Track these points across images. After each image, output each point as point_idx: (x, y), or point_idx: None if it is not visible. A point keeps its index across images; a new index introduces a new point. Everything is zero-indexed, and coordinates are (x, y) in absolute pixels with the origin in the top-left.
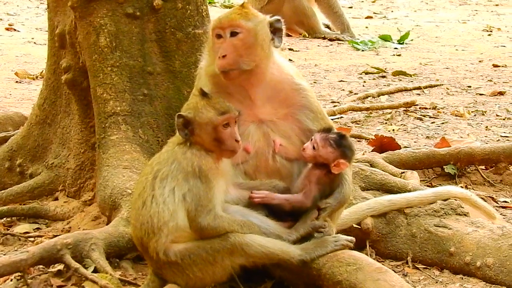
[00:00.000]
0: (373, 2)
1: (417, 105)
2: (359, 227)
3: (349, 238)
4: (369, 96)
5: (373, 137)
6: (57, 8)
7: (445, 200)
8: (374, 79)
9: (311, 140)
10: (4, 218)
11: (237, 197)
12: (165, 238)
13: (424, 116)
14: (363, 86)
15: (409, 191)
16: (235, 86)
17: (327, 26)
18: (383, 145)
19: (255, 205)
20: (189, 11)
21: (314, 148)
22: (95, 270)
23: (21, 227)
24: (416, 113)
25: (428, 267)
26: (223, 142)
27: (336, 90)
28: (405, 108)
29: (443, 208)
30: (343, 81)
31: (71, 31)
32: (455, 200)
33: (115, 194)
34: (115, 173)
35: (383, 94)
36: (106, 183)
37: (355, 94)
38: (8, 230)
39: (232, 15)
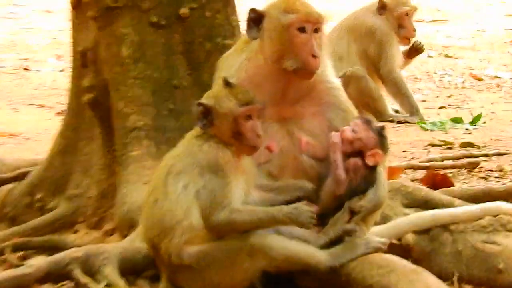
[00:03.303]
0: (448, 97)
1: (482, 167)
2: (400, 243)
3: (382, 240)
4: (432, 161)
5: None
6: (80, 25)
7: (494, 216)
8: (440, 151)
9: (350, 125)
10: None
11: (260, 200)
12: (179, 238)
13: (489, 176)
14: (427, 155)
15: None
16: (274, 81)
17: (396, 111)
18: (436, 183)
19: None
20: (218, 20)
21: (354, 131)
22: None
23: (37, 259)
24: (480, 173)
25: (476, 287)
26: (244, 136)
27: (398, 157)
28: (468, 169)
29: (492, 224)
30: (406, 151)
31: (94, 47)
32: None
33: (133, 210)
34: (133, 188)
35: (447, 160)
36: (123, 200)
37: (417, 159)
38: (23, 261)
39: (313, 9)
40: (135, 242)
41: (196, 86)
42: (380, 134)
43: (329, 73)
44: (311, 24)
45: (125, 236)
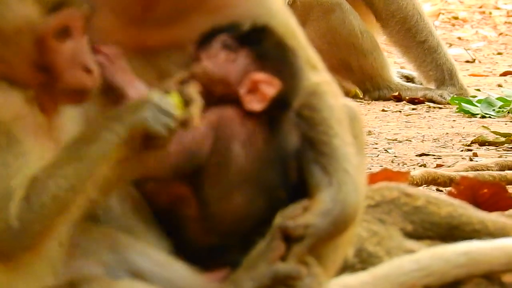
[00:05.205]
0: None
1: None
2: None
3: None
4: (479, 170)
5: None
6: None
7: None
8: (497, 151)
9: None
10: None
11: None
12: None
13: None
14: (471, 160)
15: None
16: None
17: (409, 79)
18: (480, 199)
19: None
20: None
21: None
22: None
23: None
24: None
25: None
26: (57, 71)
27: (406, 166)
28: None
29: None
30: (428, 154)
31: None
32: None
33: None
34: None
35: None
36: None
37: (448, 167)
38: None
39: None
40: None
41: None
42: (251, 42)
43: None
44: None
45: None
